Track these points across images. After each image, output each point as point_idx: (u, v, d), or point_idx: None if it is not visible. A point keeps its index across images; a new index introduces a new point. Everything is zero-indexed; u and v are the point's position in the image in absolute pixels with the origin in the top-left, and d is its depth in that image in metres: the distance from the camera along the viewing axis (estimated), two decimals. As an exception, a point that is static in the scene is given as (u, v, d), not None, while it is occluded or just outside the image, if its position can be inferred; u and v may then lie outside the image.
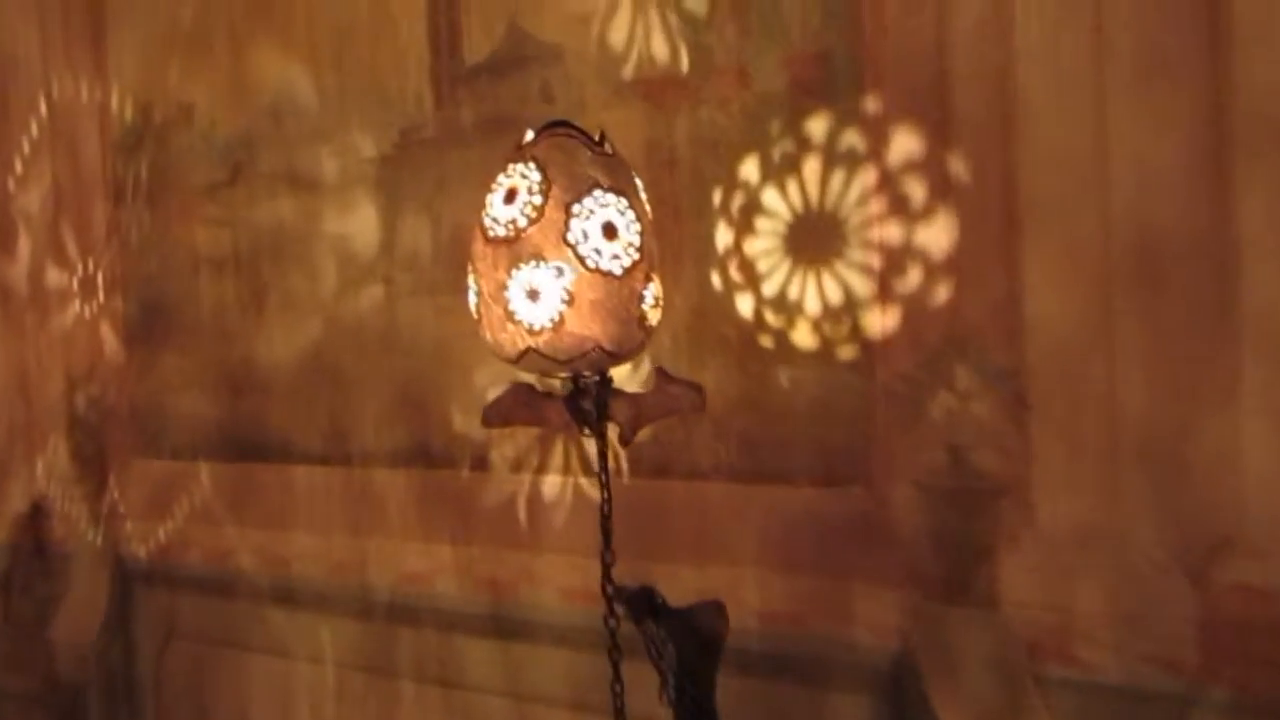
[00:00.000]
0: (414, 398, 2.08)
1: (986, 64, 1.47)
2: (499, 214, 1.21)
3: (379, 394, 2.13)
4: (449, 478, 2.04)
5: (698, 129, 1.71)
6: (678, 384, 1.28)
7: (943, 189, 1.52)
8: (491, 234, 1.21)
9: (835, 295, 1.62)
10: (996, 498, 1.51)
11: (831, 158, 1.60)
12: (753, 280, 1.69)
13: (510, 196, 1.20)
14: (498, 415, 1.33)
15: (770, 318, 1.67)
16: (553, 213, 1.18)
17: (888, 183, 1.56)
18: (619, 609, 1.28)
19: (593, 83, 1.81)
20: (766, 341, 1.67)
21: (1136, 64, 1.38)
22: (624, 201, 1.21)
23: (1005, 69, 1.46)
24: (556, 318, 1.18)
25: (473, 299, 1.25)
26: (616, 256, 1.19)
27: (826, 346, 1.63)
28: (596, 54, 1.80)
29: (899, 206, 1.55)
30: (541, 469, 1.92)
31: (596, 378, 1.27)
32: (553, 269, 1.17)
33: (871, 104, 1.56)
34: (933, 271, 1.54)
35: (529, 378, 1.37)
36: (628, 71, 1.78)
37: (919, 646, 1.56)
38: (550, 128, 1.24)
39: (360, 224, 2.12)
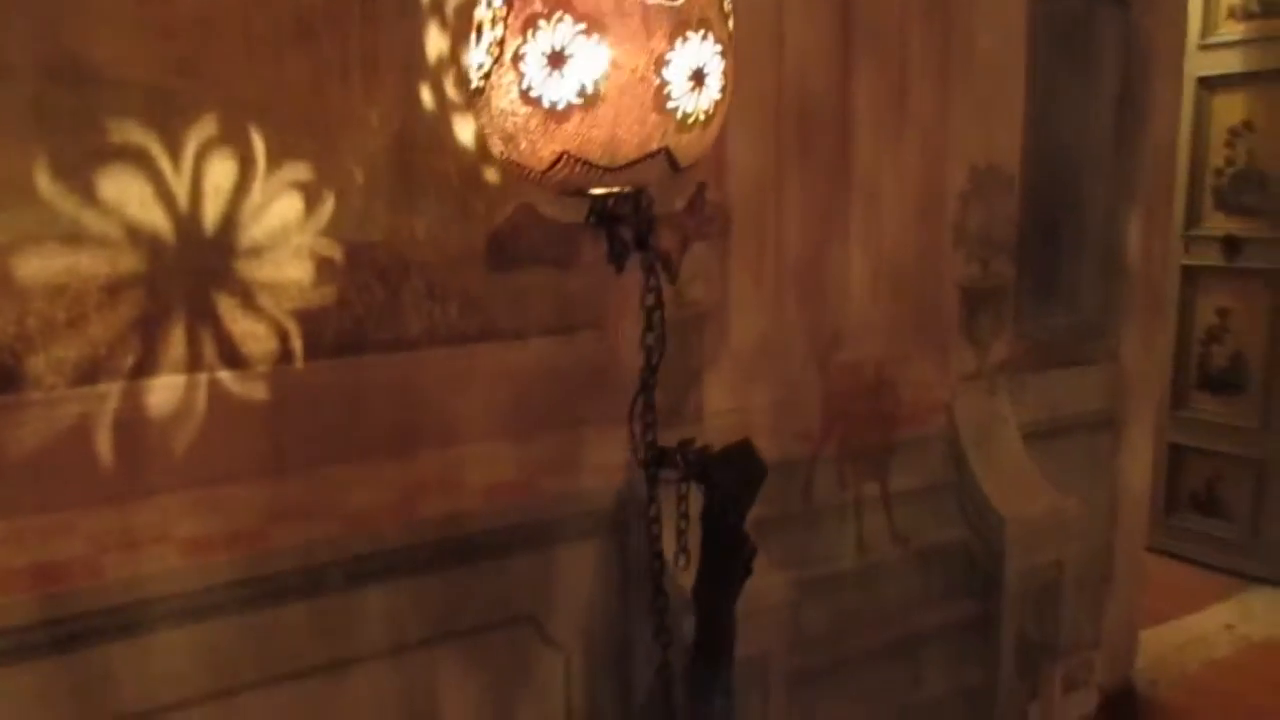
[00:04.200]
0: None
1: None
2: (645, -42, 0.85)
3: None
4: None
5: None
6: (708, 202, 1.11)
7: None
8: (632, -16, 0.85)
9: (568, 125, 1.48)
10: (705, 324, 1.66)
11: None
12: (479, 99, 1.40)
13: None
14: (509, 255, 0.94)
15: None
16: (711, -30, 0.90)
17: None
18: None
19: None
20: (493, 176, 1.42)
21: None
22: (720, -28, 0.99)
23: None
24: (711, 109, 0.92)
25: (589, 76, 0.85)
26: (732, 36, 0.97)
27: (562, 181, 1.49)
28: None
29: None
30: (143, 369, 1.23)
31: (630, 193, 1.01)
32: (718, 45, 0.90)
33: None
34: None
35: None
36: None
37: (637, 479, 1.62)
38: None
39: None
